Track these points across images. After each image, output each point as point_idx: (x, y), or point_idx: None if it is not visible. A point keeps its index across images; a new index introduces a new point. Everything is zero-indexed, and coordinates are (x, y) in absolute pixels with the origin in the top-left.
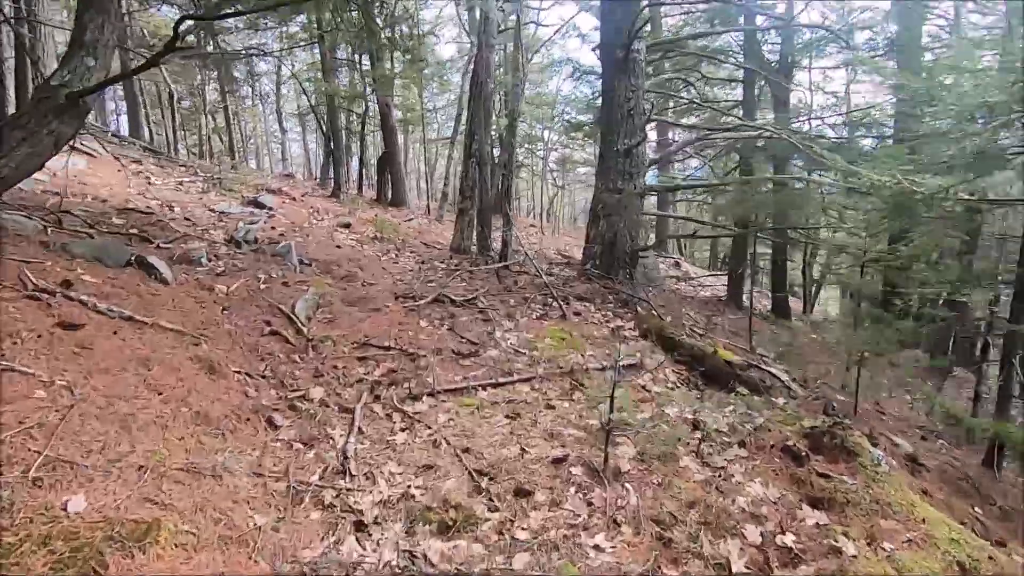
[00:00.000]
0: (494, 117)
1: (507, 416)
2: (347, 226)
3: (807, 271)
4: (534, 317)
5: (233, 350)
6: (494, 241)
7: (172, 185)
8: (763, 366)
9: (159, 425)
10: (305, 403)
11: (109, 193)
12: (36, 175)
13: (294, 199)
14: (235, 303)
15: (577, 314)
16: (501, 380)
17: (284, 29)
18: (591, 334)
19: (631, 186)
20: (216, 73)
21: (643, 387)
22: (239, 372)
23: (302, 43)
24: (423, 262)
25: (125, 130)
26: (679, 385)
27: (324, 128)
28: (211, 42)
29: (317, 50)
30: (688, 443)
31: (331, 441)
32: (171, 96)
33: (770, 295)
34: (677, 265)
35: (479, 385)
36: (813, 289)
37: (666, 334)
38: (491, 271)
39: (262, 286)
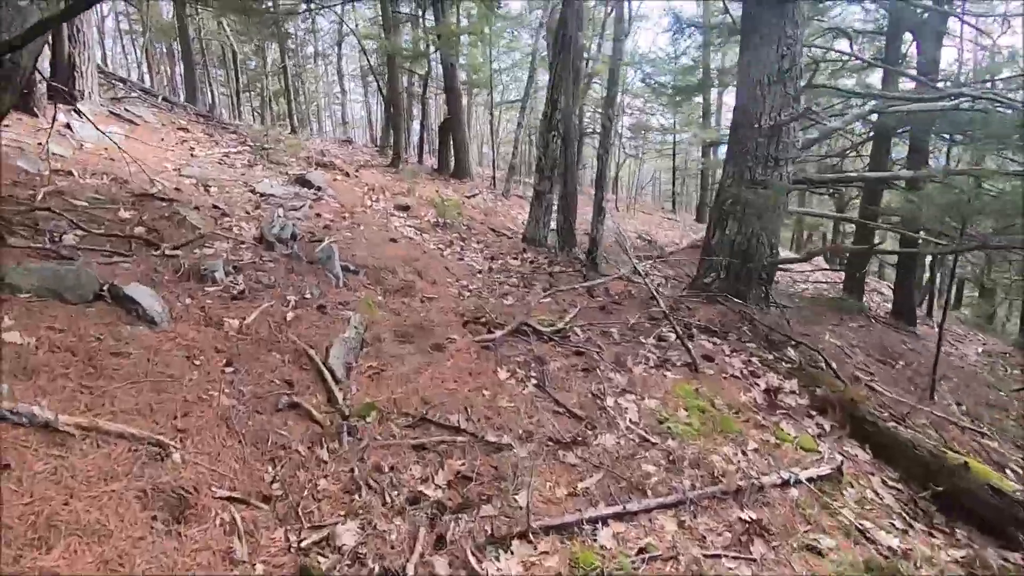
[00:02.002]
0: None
1: None
2: (405, 209)
3: (936, 267)
4: (651, 364)
5: (226, 450)
6: (579, 232)
7: (217, 157)
8: None
9: None
10: (327, 557)
11: (137, 170)
12: (54, 149)
13: (347, 175)
14: (247, 351)
15: (709, 359)
16: (631, 507)
17: None
18: (738, 401)
19: (777, 176)
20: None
21: (857, 529)
22: (228, 499)
23: None
24: (492, 258)
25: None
26: (907, 520)
27: (383, 91)
28: None
29: (379, 5)
30: None
31: None
32: (234, 56)
33: (889, 293)
34: None
35: (597, 518)
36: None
37: (861, 416)
38: (576, 276)
39: (290, 314)
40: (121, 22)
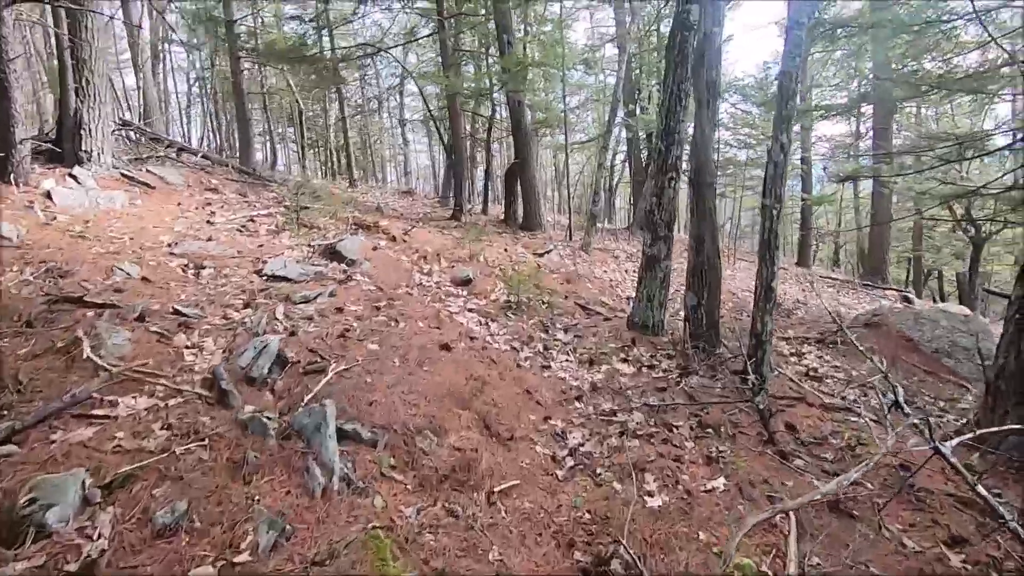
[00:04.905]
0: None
1: None
2: (466, 283)
3: None
4: None
5: None
6: (725, 325)
7: (240, 222)
8: None
9: None
10: None
11: (109, 249)
12: (4, 229)
13: (394, 239)
14: None
15: None
16: None
17: (402, 18)
18: None
19: None
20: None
21: None
22: None
23: (419, 37)
24: (591, 363)
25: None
26: None
27: (444, 138)
28: (324, 39)
29: (438, 44)
30: None
31: None
32: (299, 112)
33: None
34: (907, 300)
35: None
36: None
37: None
38: (735, 402)
39: None
40: (197, 87)
